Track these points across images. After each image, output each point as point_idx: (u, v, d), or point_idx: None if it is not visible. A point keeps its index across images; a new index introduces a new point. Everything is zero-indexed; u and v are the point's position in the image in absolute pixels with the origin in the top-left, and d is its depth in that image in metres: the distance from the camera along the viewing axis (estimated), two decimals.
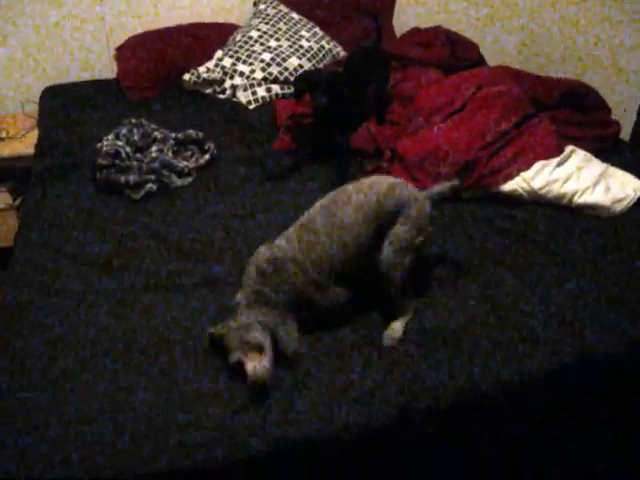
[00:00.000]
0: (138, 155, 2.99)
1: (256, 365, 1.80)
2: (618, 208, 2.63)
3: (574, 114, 3.19)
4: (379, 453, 1.87)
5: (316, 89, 2.98)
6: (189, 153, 3.13)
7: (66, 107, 3.75)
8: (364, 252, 2.07)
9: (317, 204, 2.14)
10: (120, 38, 4.12)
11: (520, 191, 2.69)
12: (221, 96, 3.85)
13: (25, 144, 3.76)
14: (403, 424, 1.82)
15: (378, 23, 3.61)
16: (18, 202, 3.60)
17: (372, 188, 2.11)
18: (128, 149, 2.96)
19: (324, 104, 2.96)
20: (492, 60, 4.14)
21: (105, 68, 4.23)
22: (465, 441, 1.99)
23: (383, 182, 2.15)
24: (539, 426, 2.07)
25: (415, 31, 4.13)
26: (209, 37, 4.10)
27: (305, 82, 3.05)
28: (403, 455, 1.92)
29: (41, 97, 3.97)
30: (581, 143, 2.96)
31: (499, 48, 4.53)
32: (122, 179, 2.83)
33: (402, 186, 2.16)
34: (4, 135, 3.84)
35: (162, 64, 3.96)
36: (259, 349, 1.84)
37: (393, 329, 2.05)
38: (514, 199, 2.72)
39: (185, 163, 3.01)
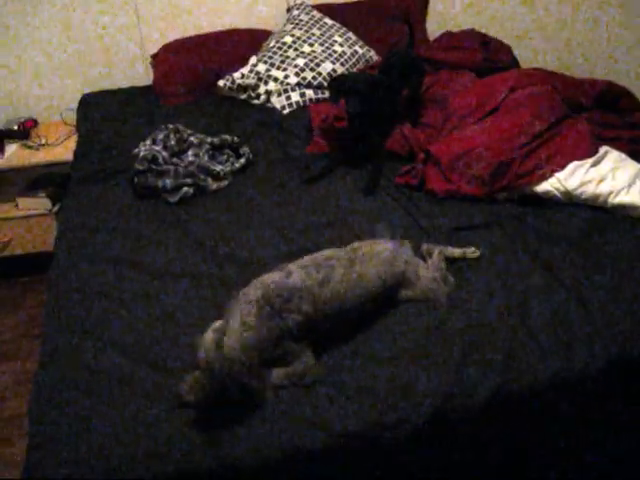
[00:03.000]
0: (174, 160, 3.03)
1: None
2: None
3: (609, 115, 3.16)
4: (412, 453, 1.86)
5: (351, 93, 3.00)
6: (224, 157, 3.17)
7: (103, 114, 3.82)
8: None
9: (333, 253, 2.16)
10: (155, 45, 4.19)
11: (554, 192, 2.68)
12: (256, 101, 3.89)
13: (63, 150, 3.83)
14: (438, 424, 1.82)
15: (411, 28, 3.62)
16: (57, 208, 3.66)
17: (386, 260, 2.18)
18: (165, 154, 3.00)
19: (356, 109, 2.98)
20: (525, 63, 4.13)
21: (141, 75, 4.29)
22: (499, 441, 1.99)
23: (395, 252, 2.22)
24: (574, 427, 2.05)
25: (448, 34, 4.13)
26: (243, 43, 4.15)
27: (340, 86, 3.07)
28: (437, 456, 1.92)
29: (79, 104, 4.04)
30: (616, 144, 2.93)
31: (532, 50, 4.51)
32: (159, 183, 2.87)
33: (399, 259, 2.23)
34: (43, 142, 3.91)
35: (197, 70, 4.00)
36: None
37: None
38: (548, 200, 2.71)
39: (221, 167, 3.04)
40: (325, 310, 1.96)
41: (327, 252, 2.15)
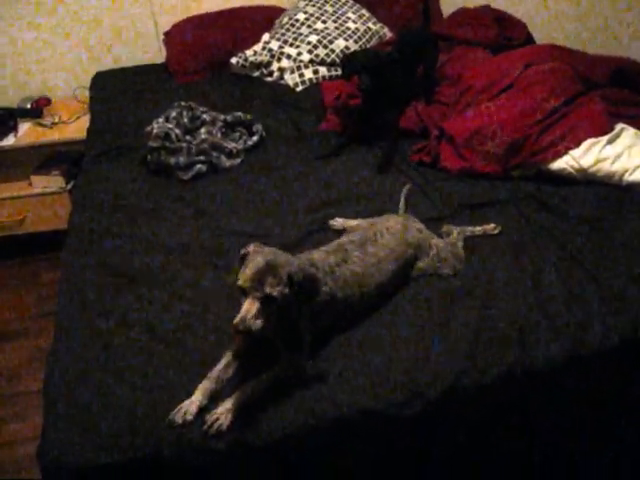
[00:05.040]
0: (187, 137, 3.02)
1: (251, 314, 1.64)
2: None
3: (625, 92, 3.14)
4: (424, 430, 1.87)
5: (363, 69, 2.99)
6: (237, 135, 3.16)
7: (116, 92, 3.82)
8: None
9: (345, 238, 2.16)
10: (168, 23, 4.18)
11: (569, 169, 2.66)
12: (268, 79, 3.88)
13: (77, 129, 3.83)
14: (450, 401, 1.82)
15: (426, 4, 3.59)
16: (71, 185, 3.67)
17: (398, 234, 2.18)
18: (178, 131, 3.00)
19: (368, 86, 2.97)
20: (540, 39, 4.09)
21: (154, 53, 4.29)
22: (509, 418, 1.98)
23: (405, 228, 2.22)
24: (585, 406, 2.05)
25: (462, 11, 4.11)
26: (256, 20, 4.13)
27: (352, 62, 3.05)
28: (448, 433, 1.92)
29: (92, 82, 4.05)
30: (632, 121, 2.91)
31: (547, 27, 4.46)
32: (172, 160, 2.87)
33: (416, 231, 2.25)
34: (56, 120, 3.91)
35: (210, 48, 3.99)
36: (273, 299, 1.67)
37: None
38: (563, 177, 2.69)
39: (234, 144, 3.04)
40: (346, 290, 1.95)
41: (336, 241, 2.15)
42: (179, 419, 1.69)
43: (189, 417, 1.69)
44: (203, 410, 1.72)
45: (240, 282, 1.67)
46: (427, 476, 1.98)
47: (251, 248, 1.74)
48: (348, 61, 3.09)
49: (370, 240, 2.10)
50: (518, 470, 2.09)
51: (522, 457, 2.07)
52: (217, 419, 1.68)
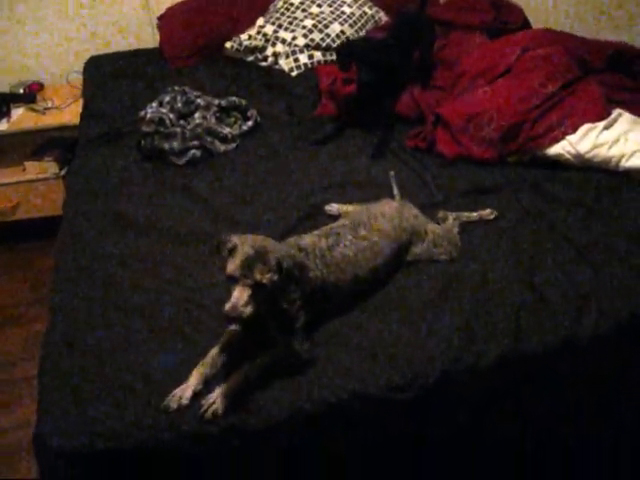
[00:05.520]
0: (181, 122, 3.00)
1: (242, 302, 1.64)
2: None
3: (622, 78, 3.12)
4: (420, 414, 1.86)
5: (361, 59, 2.96)
6: (232, 120, 3.14)
7: (110, 76, 3.79)
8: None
9: (339, 222, 2.16)
10: (162, 7, 4.14)
11: (566, 155, 2.65)
12: (263, 63, 3.85)
13: (70, 114, 3.80)
14: (446, 385, 1.82)
15: None
16: (64, 171, 3.65)
17: (392, 219, 2.16)
18: (172, 116, 2.98)
19: (370, 79, 2.95)
20: (537, 24, 4.06)
21: (147, 37, 4.26)
22: (504, 403, 1.98)
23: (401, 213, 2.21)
24: (585, 391, 2.05)
25: None
26: (250, 4, 4.10)
27: (351, 53, 3.01)
28: (443, 417, 1.92)
29: (85, 67, 4.01)
30: (629, 107, 2.89)
31: (544, 11, 4.44)
32: (166, 146, 2.85)
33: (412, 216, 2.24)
34: (49, 105, 3.88)
35: (204, 32, 3.95)
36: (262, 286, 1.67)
37: None
38: (560, 163, 2.68)
39: (228, 129, 3.02)
40: (337, 274, 1.94)
41: (329, 225, 2.14)
42: (174, 404, 1.69)
43: (184, 402, 1.69)
44: (198, 395, 1.72)
45: (229, 270, 1.67)
46: (420, 462, 1.97)
47: (235, 238, 1.73)
48: (346, 51, 3.05)
49: (364, 224, 2.09)
50: (511, 458, 2.08)
51: (515, 444, 2.07)
52: (212, 403, 1.68)
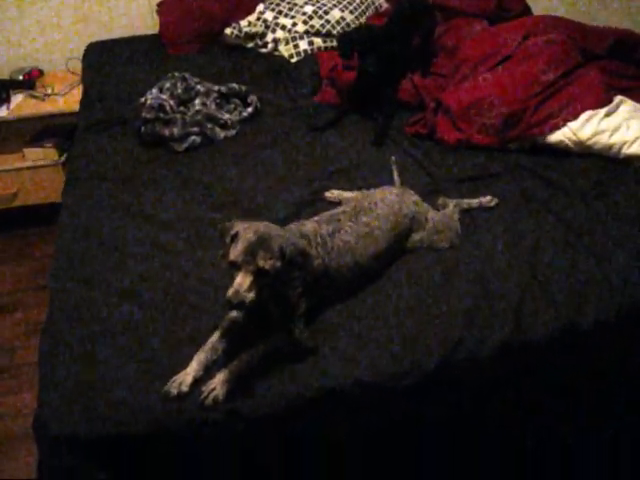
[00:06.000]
0: (181, 108, 3.00)
1: (244, 288, 1.64)
2: None
3: (624, 65, 3.11)
4: (420, 401, 1.86)
5: (363, 47, 2.95)
6: (232, 106, 3.13)
7: (109, 63, 3.77)
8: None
9: (339, 209, 2.15)
10: None
11: (567, 142, 2.65)
12: (263, 50, 3.85)
13: (69, 100, 3.80)
14: (446, 374, 1.82)
15: None
16: (64, 158, 3.64)
17: (393, 205, 2.15)
18: (172, 102, 2.97)
19: (375, 68, 2.94)
20: (537, 11, 4.05)
21: (147, 24, 4.24)
22: (504, 392, 1.98)
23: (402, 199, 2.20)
24: (586, 381, 2.05)
25: None
26: None
27: (354, 42, 3.01)
28: (443, 405, 1.92)
29: (85, 54, 4.00)
30: (631, 94, 2.88)
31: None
32: (166, 132, 2.85)
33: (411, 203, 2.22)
34: (49, 92, 3.87)
35: (204, 18, 3.94)
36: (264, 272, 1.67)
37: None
38: (561, 150, 2.67)
39: (228, 116, 3.01)
40: (339, 260, 1.94)
41: (330, 211, 2.13)
42: (174, 390, 1.68)
43: (184, 388, 1.69)
44: (198, 381, 1.71)
45: (232, 257, 1.67)
46: (421, 447, 1.97)
47: (238, 225, 1.74)
48: (348, 40, 3.05)
49: (364, 210, 2.09)
50: (512, 450, 2.09)
51: (516, 440, 2.08)
52: (213, 389, 1.68)
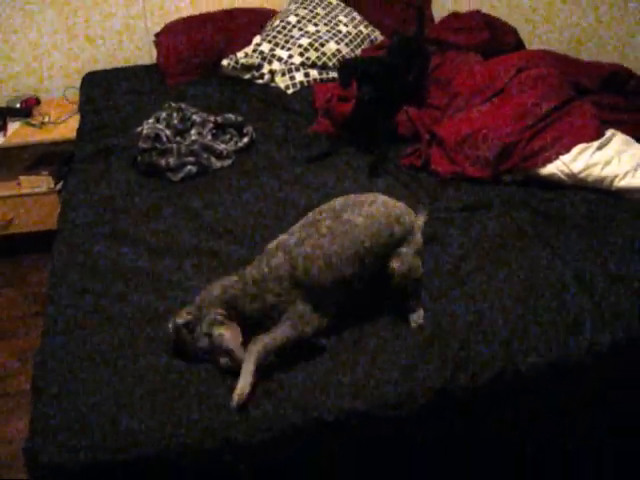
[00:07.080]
0: (178, 138, 3.02)
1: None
2: None
3: (615, 99, 3.14)
4: (416, 431, 1.86)
5: (364, 79, 2.99)
6: (228, 136, 3.15)
7: (107, 92, 3.82)
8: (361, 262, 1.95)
9: (326, 205, 2.06)
10: (159, 24, 4.18)
11: (559, 175, 2.67)
12: (259, 81, 3.88)
13: (66, 129, 3.82)
14: (441, 404, 1.82)
15: (421, 14, 3.60)
16: (60, 186, 3.65)
17: (386, 207, 2.04)
18: (168, 132, 2.99)
19: (372, 96, 2.97)
20: (531, 45, 4.10)
21: (145, 54, 4.29)
22: (499, 421, 1.98)
23: (396, 205, 2.09)
24: (575, 410, 2.06)
25: (454, 15, 4.10)
26: (247, 22, 4.14)
27: (353, 71, 3.04)
28: (438, 434, 1.91)
29: (82, 83, 4.04)
30: (623, 128, 2.91)
31: (538, 32, 4.47)
32: (162, 162, 2.86)
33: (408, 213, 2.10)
34: (46, 120, 3.89)
35: (201, 49, 3.99)
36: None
37: (418, 315, 2.00)
38: (553, 183, 2.69)
39: (224, 146, 3.03)
40: (307, 267, 1.87)
41: (315, 209, 2.06)
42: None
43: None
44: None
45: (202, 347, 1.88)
46: (411, 462, 1.96)
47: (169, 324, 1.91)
48: (348, 69, 3.08)
49: (350, 206, 1.99)
50: (511, 461, 2.08)
51: (515, 448, 2.07)
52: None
